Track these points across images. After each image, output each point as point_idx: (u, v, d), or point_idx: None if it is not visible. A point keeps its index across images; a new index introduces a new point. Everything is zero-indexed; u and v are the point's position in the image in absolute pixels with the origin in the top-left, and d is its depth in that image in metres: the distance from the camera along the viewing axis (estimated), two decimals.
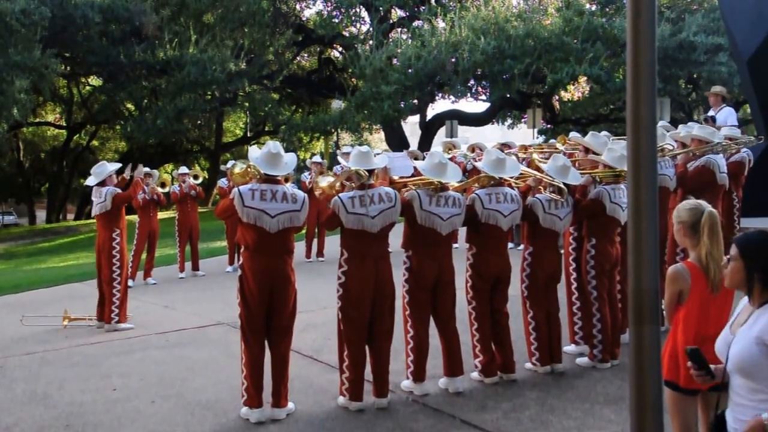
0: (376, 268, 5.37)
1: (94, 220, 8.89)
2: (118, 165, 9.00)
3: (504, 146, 11.44)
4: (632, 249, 2.07)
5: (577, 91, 26.26)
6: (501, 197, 5.83)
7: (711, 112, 11.28)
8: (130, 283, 10.36)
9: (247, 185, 5.33)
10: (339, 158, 9.65)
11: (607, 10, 22.71)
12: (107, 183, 8.48)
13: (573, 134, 11.89)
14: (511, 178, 6.12)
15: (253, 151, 5.56)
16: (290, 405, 5.40)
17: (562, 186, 5.96)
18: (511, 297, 6.12)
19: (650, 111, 2.02)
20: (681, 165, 7.33)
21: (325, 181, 5.68)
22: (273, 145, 5.43)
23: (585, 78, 22.54)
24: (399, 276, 5.62)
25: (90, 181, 8.60)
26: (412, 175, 6.06)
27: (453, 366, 5.67)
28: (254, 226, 5.23)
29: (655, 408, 2.10)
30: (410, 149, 14.87)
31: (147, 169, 10.45)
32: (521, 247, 11.09)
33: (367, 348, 5.45)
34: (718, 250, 3.51)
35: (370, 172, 5.50)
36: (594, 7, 22.98)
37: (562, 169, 6.03)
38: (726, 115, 11.06)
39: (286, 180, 6.29)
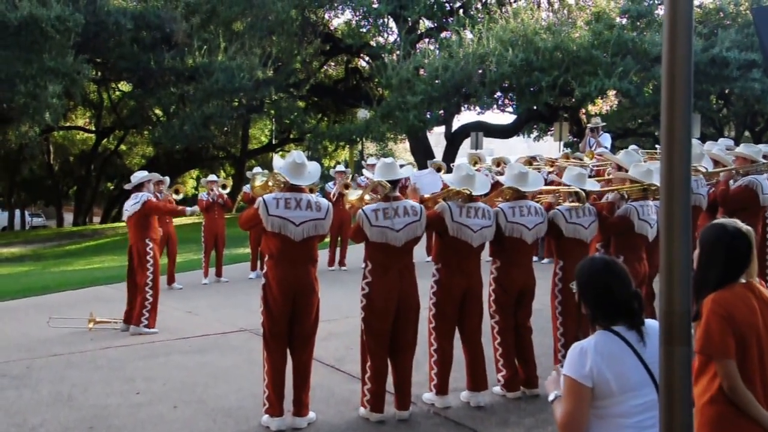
0: (401, 280, 5.35)
1: (120, 224, 9.08)
2: (158, 176, 9.31)
3: (531, 159, 11.43)
4: (664, 268, 2.04)
5: (605, 104, 26.05)
6: (525, 210, 5.80)
7: (596, 145, 12.55)
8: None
9: (272, 194, 5.36)
10: (364, 171, 9.70)
11: (638, 24, 22.52)
12: (144, 189, 8.71)
13: (601, 149, 11.89)
14: (533, 196, 6.10)
15: (278, 161, 5.59)
16: (311, 414, 5.39)
17: (579, 191, 5.93)
18: (535, 311, 6.08)
19: (685, 128, 2.00)
20: (723, 183, 7.22)
21: (354, 195, 5.70)
22: (297, 155, 5.46)
23: (614, 92, 22.35)
24: (424, 287, 5.61)
25: (127, 185, 8.88)
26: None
27: (477, 380, 5.63)
28: (279, 234, 5.25)
29: (685, 430, 2.06)
30: (434, 160, 14.82)
31: (157, 176, 10.60)
32: (545, 260, 11.09)
33: (389, 360, 5.44)
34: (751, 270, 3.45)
35: (395, 183, 5.50)
36: (624, 21, 22.80)
37: (578, 177, 6.02)
38: (604, 140, 12.96)
39: (312, 191, 6.32)
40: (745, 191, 7.13)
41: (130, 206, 8.59)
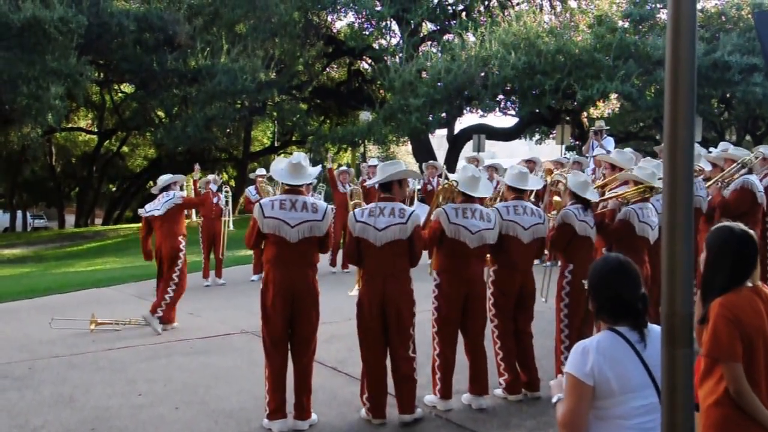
0: (384, 288, 5.24)
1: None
2: (182, 176, 9.71)
3: (529, 162, 11.46)
4: (666, 271, 2.03)
5: (607, 107, 26.06)
6: (520, 210, 5.83)
7: (598, 148, 12.39)
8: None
9: (269, 197, 5.39)
10: (363, 175, 9.83)
11: (640, 27, 22.55)
12: (172, 189, 9.00)
13: (595, 151, 11.90)
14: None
15: (277, 163, 5.63)
16: (313, 416, 5.39)
17: (575, 190, 5.95)
18: (537, 313, 6.07)
19: (688, 131, 2.00)
20: (717, 194, 7.21)
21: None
22: (294, 157, 5.50)
23: (615, 95, 22.37)
24: (427, 290, 5.61)
25: (154, 189, 9.18)
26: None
27: (478, 385, 5.61)
28: (275, 236, 5.23)
29: (686, 431, 2.06)
30: (430, 161, 14.81)
31: (183, 177, 10.86)
32: (547, 263, 11.05)
33: (389, 367, 5.41)
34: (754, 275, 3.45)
35: (388, 185, 5.46)
36: (627, 25, 22.83)
37: (583, 185, 6.03)
38: (607, 143, 12.73)
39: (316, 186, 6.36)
40: (741, 193, 7.13)
41: (161, 205, 8.77)
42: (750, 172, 7.45)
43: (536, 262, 6.51)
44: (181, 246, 8.65)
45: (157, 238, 8.78)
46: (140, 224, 9.18)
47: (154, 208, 8.81)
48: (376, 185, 5.53)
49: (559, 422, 2.80)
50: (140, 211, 9.49)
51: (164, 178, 9.15)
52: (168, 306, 8.50)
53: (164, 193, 8.92)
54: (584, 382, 2.72)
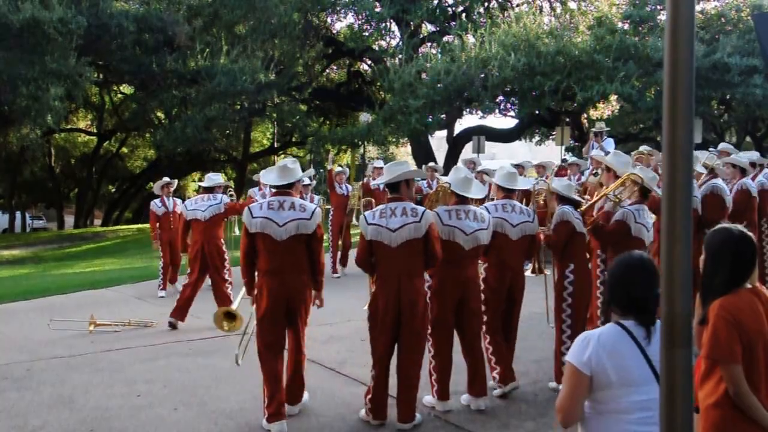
0: (399, 287, 5.19)
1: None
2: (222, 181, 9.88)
3: (518, 167, 11.52)
4: (665, 272, 2.04)
5: (606, 109, 26.05)
6: (508, 208, 5.89)
7: (598, 149, 12.28)
8: (162, 293, 10.77)
9: (257, 202, 5.50)
10: (368, 174, 9.85)
11: (640, 29, 22.54)
12: (217, 192, 9.17)
13: (594, 152, 11.92)
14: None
15: (268, 170, 5.91)
16: (305, 396, 5.56)
17: (561, 192, 5.97)
18: (537, 315, 6.08)
19: (687, 133, 2.00)
20: None
21: None
22: (282, 161, 5.67)
23: (615, 96, 22.35)
24: None
25: (205, 184, 9.33)
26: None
27: (477, 386, 5.62)
28: (264, 236, 5.25)
29: (686, 431, 2.06)
30: (430, 164, 14.84)
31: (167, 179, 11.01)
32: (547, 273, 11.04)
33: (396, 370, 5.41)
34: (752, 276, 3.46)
35: (396, 185, 5.47)
36: (627, 26, 22.82)
37: (568, 188, 6.06)
38: (607, 144, 12.72)
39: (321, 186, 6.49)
40: (711, 198, 7.12)
41: (206, 208, 8.84)
42: (716, 176, 7.44)
43: (531, 274, 6.49)
44: (223, 247, 8.94)
45: (197, 238, 8.86)
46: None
47: (197, 209, 8.89)
48: (381, 186, 5.56)
49: (556, 407, 2.84)
50: (183, 208, 9.33)
51: (214, 179, 9.28)
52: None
53: (210, 195, 9.01)
54: (581, 371, 2.75)
